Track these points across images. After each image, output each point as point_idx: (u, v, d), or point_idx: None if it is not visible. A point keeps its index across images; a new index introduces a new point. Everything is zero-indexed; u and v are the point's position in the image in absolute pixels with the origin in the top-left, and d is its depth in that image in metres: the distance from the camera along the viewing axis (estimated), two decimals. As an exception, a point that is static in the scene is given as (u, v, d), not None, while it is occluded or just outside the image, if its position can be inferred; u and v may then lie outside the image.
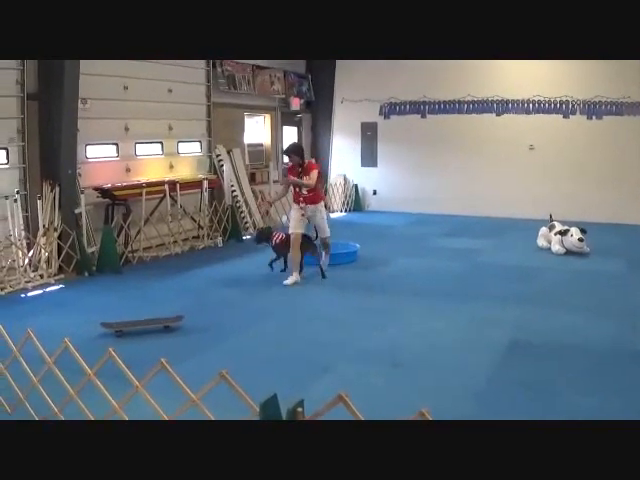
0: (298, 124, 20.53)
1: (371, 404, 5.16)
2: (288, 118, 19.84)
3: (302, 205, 11.09)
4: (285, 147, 11.85)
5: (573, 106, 17.65)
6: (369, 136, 20.08)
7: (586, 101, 17.44)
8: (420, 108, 19.41)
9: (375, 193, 20.36)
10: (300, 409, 3.60)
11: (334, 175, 20.64)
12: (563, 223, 13.36)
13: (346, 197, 20.30)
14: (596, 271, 11.60)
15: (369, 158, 20.31)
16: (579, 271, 11.58)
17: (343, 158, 20.58)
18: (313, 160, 13.00)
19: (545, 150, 17.71)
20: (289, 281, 10.71)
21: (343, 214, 19.75)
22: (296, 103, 19.57)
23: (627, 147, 16.97)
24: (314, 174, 11.07)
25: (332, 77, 20.37)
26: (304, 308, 9.53)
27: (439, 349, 7.65)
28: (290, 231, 11.07)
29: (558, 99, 17.71)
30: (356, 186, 20.35)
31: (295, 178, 11.04)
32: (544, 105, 17.93)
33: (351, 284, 10.73)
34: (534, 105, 17.99)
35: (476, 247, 13.81)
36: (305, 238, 11.08)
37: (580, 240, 12.61)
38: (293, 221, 11.12)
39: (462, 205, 18.42)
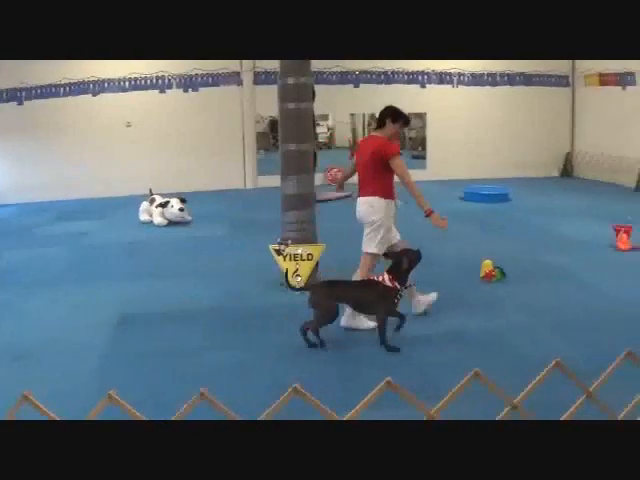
0: None
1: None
2: None
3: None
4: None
5: (169, 81, 17.78)
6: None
7: (182, 75, 17.66)
8: (17, 95, 18.31)
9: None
10: None
11: None
12: (168, 195, 13.43)
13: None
14: (200, 237, 11.96)
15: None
16: (184, 239, 11.84)
17: None
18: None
19: (143, 126, 17.69)
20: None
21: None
22: None
23: (224, 116, 17.62)
24: None
25: None
26: None
27: (58, 336, 7.29)
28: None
29: (154, 75, 17.72)
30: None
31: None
32: (140, 82, 17.80)
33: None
34: (130, 83, 17.81)
35: (82, 230, 13.37)
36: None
37: (181, 210, 12.86)
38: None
39: (67, 190, 17.63)
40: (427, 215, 7.13)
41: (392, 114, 7.39)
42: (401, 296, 6.69)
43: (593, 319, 7.51)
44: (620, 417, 3.18)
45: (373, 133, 7.63)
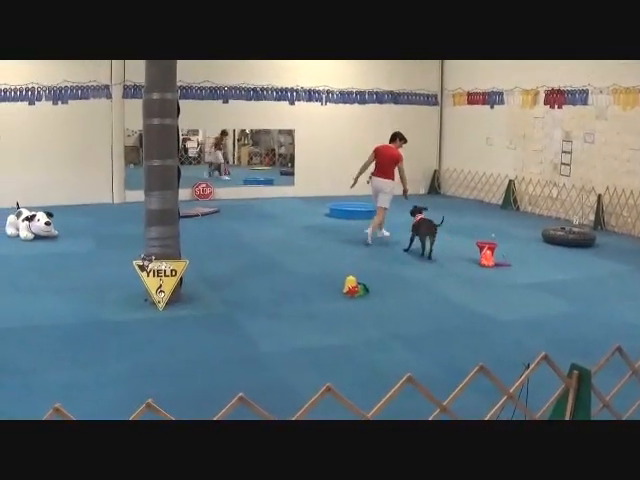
0: None
1: None
2: None
3: None
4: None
5: (39, 92, 17.36)
6: None
7: (52, 87, 17.28)
8: None
9: None
10: None
11: None
12: (35, 209, 13.12)
13: None
14: (65, 252, 11.70)
15: None
16: (49, 254, 11.53)
17: None
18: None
19: (11, 138, 17.11)
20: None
21: None
22: None
23: (93, 129, 17.34)
24: None
25: None
26: None
27: None
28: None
29: (24, 87, 17.26)
30: None
31: None
32: (10, 93, 17.33)
33: None
34: (0, 94, 17.34)
35: None
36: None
37: (47, 224, 12.61)
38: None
39: None
40: (404, 192, 13.02)
41: (400, 135, 13.23)
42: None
43: (451, 334, 7.87)
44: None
45: (389, 144, 13.16)
